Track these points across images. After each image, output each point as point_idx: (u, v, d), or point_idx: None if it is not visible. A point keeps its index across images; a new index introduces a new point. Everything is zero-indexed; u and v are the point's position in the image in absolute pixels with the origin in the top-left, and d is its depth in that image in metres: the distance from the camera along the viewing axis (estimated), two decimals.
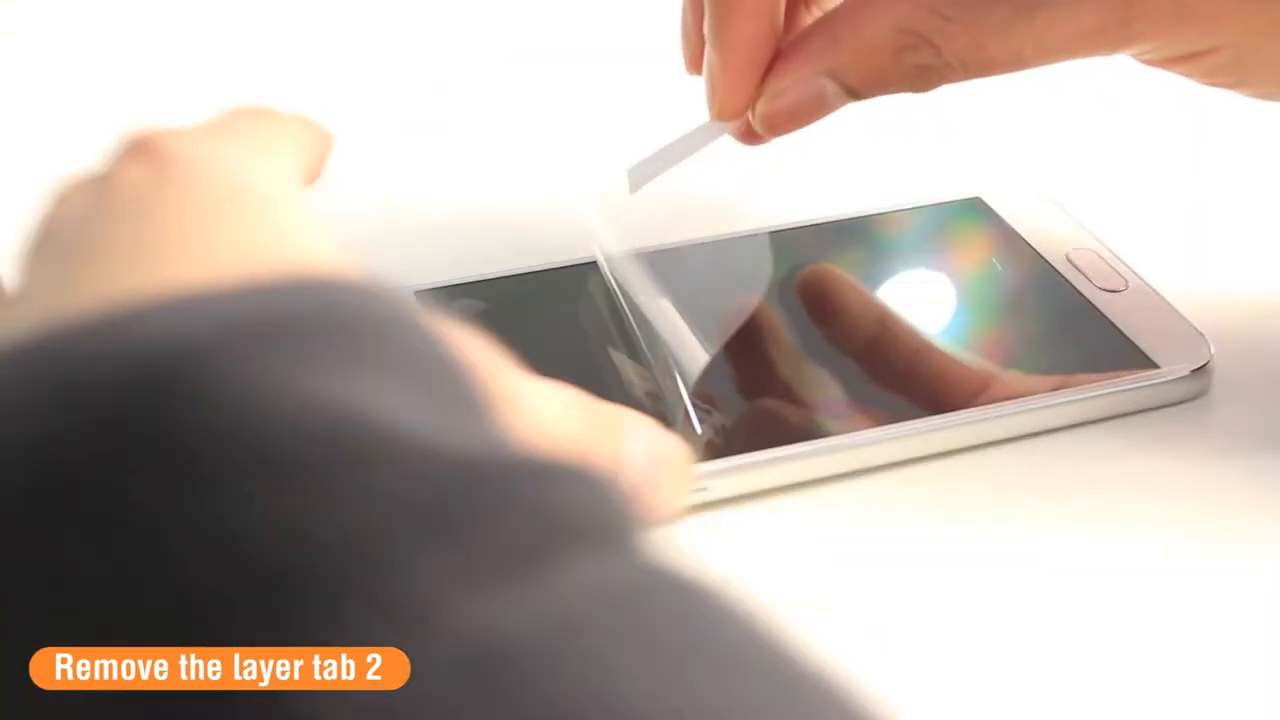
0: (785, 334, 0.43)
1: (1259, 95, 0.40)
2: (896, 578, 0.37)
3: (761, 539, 0.38)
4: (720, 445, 0.39)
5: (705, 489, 0.38)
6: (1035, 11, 0.37)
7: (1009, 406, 0.40)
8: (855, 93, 0.39)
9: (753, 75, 0.40)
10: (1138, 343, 0.42)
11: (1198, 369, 0.42)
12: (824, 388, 0.41)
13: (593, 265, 0.44)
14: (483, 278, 0.44)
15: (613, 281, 0.43)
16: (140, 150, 0.28)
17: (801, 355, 0.42)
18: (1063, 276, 0.45)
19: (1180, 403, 0.42)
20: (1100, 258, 0.45)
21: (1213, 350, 0.42)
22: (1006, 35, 0.38)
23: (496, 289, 0.44)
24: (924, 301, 0.45)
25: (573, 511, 0.21)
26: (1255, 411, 0.42)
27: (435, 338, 0.24)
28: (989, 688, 0.34)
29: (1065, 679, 0.35)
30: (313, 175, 0.34)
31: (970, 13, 0.38)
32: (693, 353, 0.42)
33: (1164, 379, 0.42)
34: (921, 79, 0.39)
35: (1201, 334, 0.43)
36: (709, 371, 0.41)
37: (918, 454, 0.40)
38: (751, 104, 0.40)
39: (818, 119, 0.40)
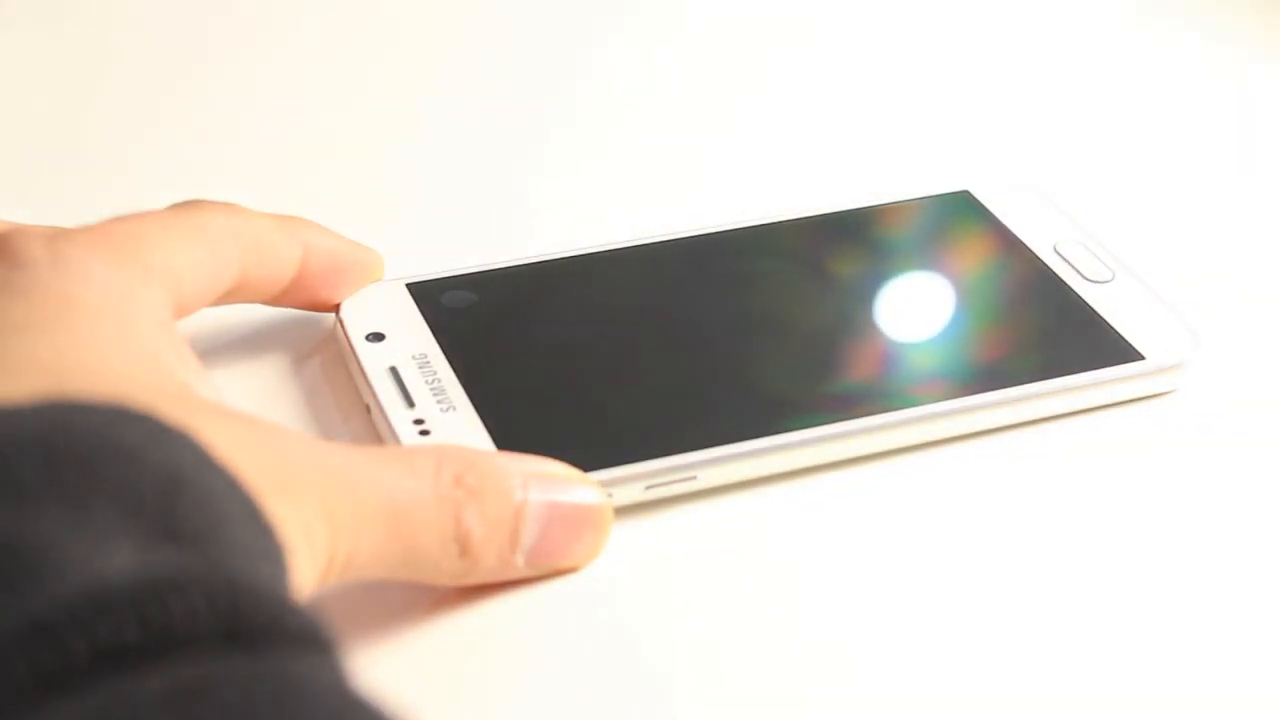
0: (766, 326, 0.43)
1: None
2: (876, 571, 0.37)
3: (747, 529, 0.38)
4: (709, 434, 0.39)
5: (694, 478, 0.38)
6: None
7: (994, 397, 0.41)
8: None
9: None
10: (1124, 334, 0.43)
11: (1183, 360, 0.42)
12: (806, 379, 0.42)
13: (585, 259, 0.45)
14: (477, 269, 0.44)
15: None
16: None
17: (784, 345, 0.43)
18: (1050, 268, 0.45)
19: (1166, 394, 0.42)
20: (1088, 249, 0.46)
21: (1198, 342, 0.43)
22: None
23: (491, 280, 0.44)
24: (913, 294, 0.45)
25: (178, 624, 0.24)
26: (1240, 403, 0.43)
27: (176, 465, 0.27)
28: (979, 681, 0.35)
29: (1057, 673, 0.35)
30: (218, 269, 0.38)
31: None
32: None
33: (1150, 370, 0.42)
34: None
35: (1188, 325, 0.43)
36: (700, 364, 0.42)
37: (900, 445, 0.40)
38: None
39: None
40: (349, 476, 0.32)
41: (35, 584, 0.24)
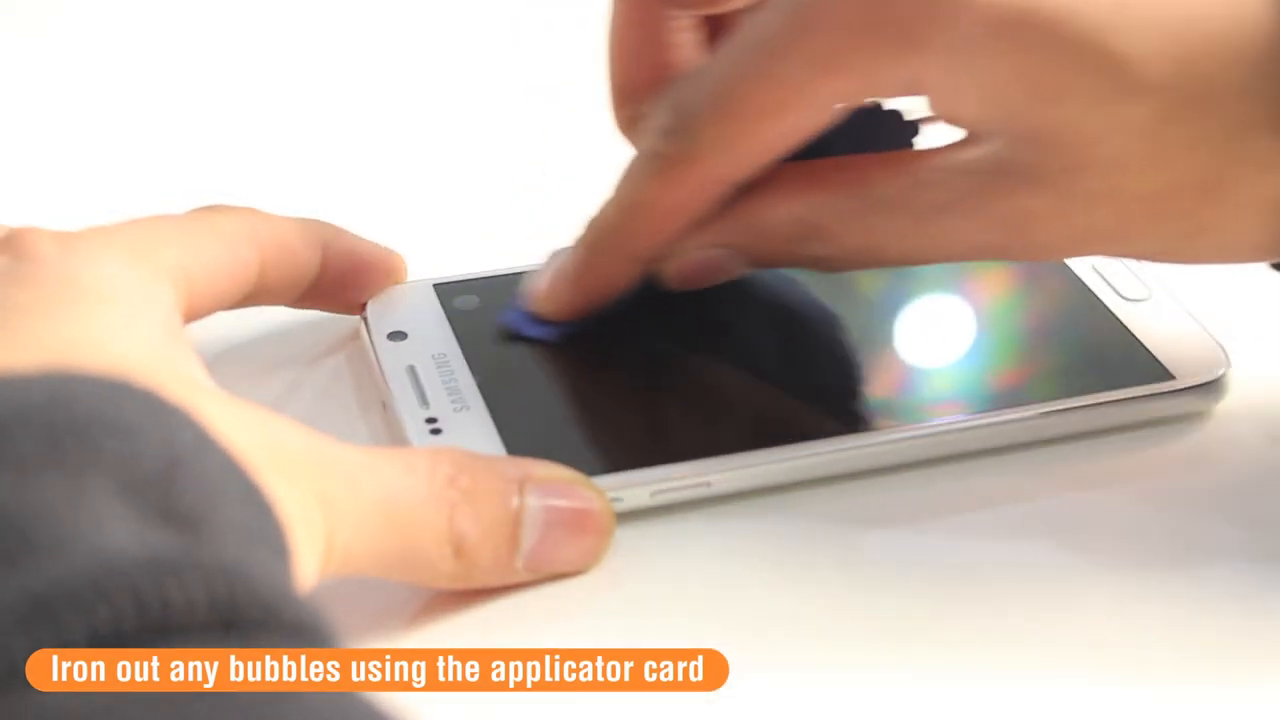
0: (787, 334, 0.43)
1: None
2: (906, 579, 0.37)
3: (765, 536, 0.38)
4: (727, 441, 0.39)
5: (709, 485, 0.38)
6: (929, 226, 0.37)
7: (1023, 412, 0.40)
8: (755, 265, 0.40)
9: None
10: (1156, 353, 0.42)
11: (1214, 381, 0.41)
12: (825, 389, 0.41)
13: None
14: (503, 272, 0.44)
15: None
16: (9, 245, 0.33)
17: (808, 355, 0.42)
18: (1086, 285, 0.44)
19: (1195, 415, 0.42)
20: (1125, 266, 0.45)
21: (1231, 363, 0.42)
22: (901, 241, 0.38)
23: (514, 284, 0.44)
24: (943, 306, 0.45)
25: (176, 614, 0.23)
26: (1270, 425, 0.42)
27: (175, 442, 0.27)
28: (1001, 695, 0.34)
29: (1080, 688, 0.35)
30: (235, 272, 0.38)
31: (870, 217, 0.38)
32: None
33: (1179, 390, 0.41)
34: (818, 265, 0.40)
35: (1221, 346, 0.42)
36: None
37: (928, 457, 0.40)
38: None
39: (720, 280, 0.41)
40: (344, 467, 0.32)
41: (34, 557, 0.24)
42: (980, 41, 0.34)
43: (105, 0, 0.59)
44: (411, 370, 0.40)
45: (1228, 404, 0.42)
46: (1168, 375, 0.41)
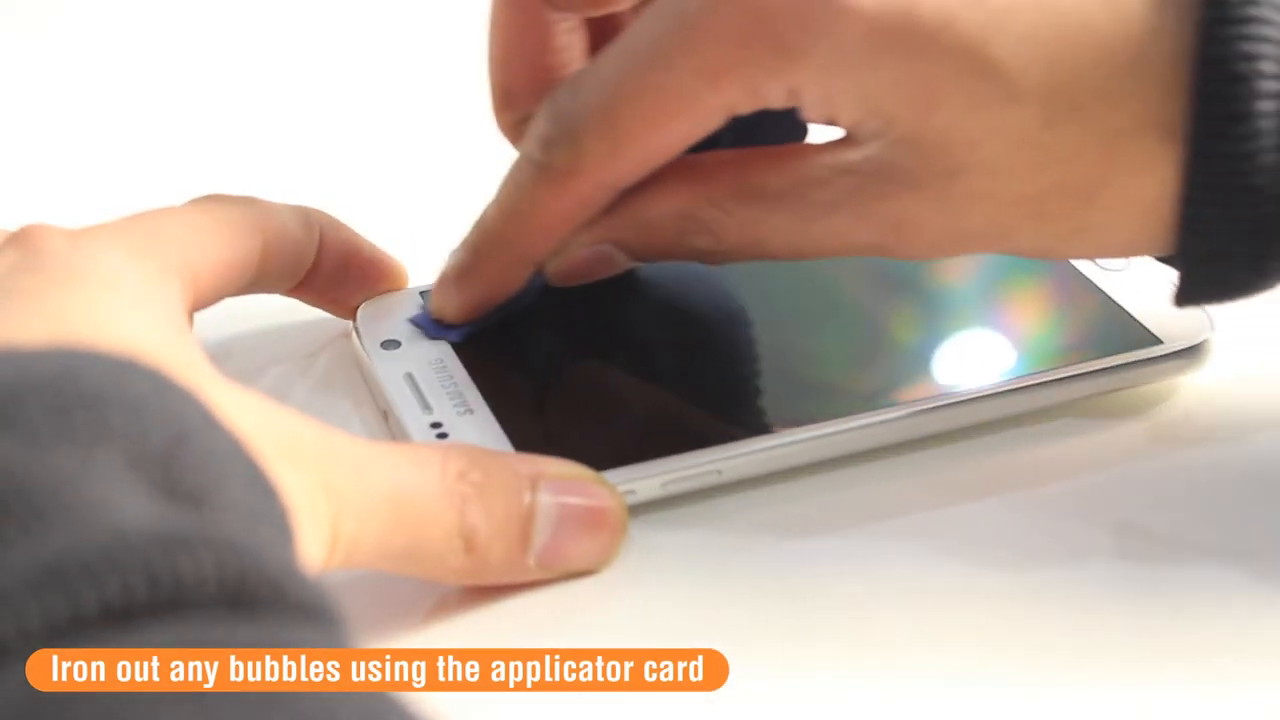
0: (785, 319, 0.43)
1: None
2: (897, 557, 0.37)
3: (773, 521, 0.38)
4: (734, 428, 0.39)
5: (720, 472, 0.38)
6: (812, 224, 0.38)
7: (1009, 384, 0.41)
8: (640, 259, 0.40)
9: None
10: (1140, 319, 0.43)
11: (1199, 344, 0.42)
12: (822, 371, 0.42)
13: None
14: None
15: None
16: (19, 240, 0.34)
17: (802, 338, 0.43)
18: None
19: (1182, 377, 0.42)
20: None
21: (1214, 326, 0.42)
22: (785, 237, 0.38)
23: None
24: (930, 283, 0.45)
25: (188, 584, 0.23)
26: (1254, 387, 0.42)
27: (181, 421, 0.27)
28: (1006, 669, 0.35)
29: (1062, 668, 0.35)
30: (238, 262, 0.38)
31: (750, 212, 0.38)
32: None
33: (1165, 354, 0.42)
34: (703, 258, 0.40)
35: (1204, 310, 0.43)
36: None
37: (918, 435, 0.40)
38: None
39: (606, 275, 0.41)
40: (351, 458, 0.32)
41: (45, 527, 0.24)
42: (859, 50, 0.35)
43: (105, 0, 0.59)
44: (410, 377, 0.40)
45: (1210, 364, 0.42)
46: (1154, 340, 0.42)
